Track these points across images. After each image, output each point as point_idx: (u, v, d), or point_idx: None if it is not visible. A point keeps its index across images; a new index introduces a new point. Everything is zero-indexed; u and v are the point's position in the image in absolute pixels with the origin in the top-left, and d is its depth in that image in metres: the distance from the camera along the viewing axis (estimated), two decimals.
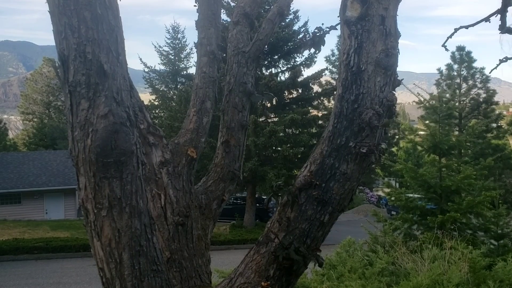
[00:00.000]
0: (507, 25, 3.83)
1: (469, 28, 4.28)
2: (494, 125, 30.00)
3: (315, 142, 21.87)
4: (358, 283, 5.75)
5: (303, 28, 24.45)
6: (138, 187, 1.86)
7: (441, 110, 12.09)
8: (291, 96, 24.66)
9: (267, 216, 24.40)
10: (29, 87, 57.56)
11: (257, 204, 25.72)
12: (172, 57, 38.70)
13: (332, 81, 33.06)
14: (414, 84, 18.31)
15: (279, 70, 24.97)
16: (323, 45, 3.00)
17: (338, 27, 2.69)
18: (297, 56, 24.56)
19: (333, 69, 42.34)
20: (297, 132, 23.67)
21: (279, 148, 22.58)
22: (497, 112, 30.62)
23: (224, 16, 22.54)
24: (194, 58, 39.03)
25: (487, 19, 4.03)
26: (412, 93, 14.09)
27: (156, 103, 37.24)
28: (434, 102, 14.00)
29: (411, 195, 11.12)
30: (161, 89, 37.48)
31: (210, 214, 3.10)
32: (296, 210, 2.31)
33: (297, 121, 22.13)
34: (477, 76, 29.59)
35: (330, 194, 2.28)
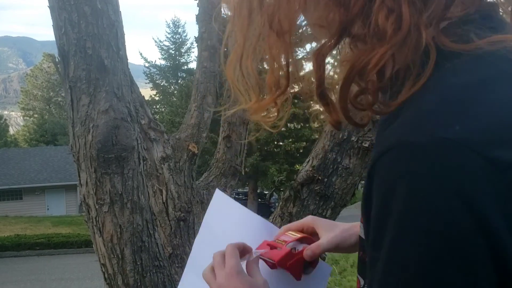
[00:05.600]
0: None
1: None
2: None
3: (317, 136, 21.87)
4: None
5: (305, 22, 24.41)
6: (140, 183, 1.85)
7: None
8: (293, 90, 24.63)
9: (269, 211, 24.46)
10: (30, 83, 57.61)
11: (259, 199, 25.74)
12: (173, 52, 38.61)
13: (334, 75, 32.96)
14: None
15: None
16: None
17: None
18: (299, 49, 24.53)
19: (335, 63, 42.22)
20: (299, 126, 23.67)
21: (281, 143, 22.60)
22: None
23: None
24: (194, 52, 39.01)
25: None
26: None
27: (157, 98, 37.25)
28: None
29: None
30: (162, 84, 37.45)
31: None
32: (298, 205, 2.31)
33: (299, 115, 22.13)
34: None
35: (332, 189, 2.27)
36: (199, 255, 1.01)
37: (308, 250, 0.91)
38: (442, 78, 0.49)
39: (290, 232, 0.98)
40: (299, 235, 0.95)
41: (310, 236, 0.98)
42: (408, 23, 0.48)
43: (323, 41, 0.57)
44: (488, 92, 0.46)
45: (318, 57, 0.57)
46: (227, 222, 1.06)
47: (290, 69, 0.61)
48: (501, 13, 0.54)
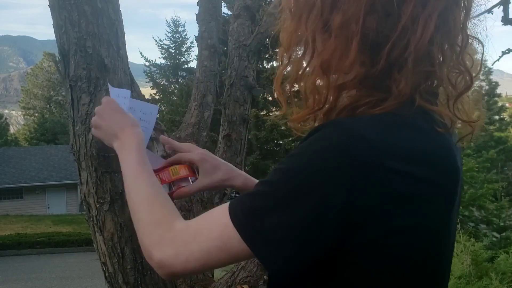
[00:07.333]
0: (510, 17, 3.81)
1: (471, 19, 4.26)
2: (497, 117, 29.92)
3: None
4: None
5: None
6: None
7: None
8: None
9: None
10: (30, 82, 57.66)
11: None
12: (173, 51, 38.56)
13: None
14: None
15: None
16: None
17: None
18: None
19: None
20: (299, 125, 23.64)
21: (280, 142, 22.59)
22: (499, 104, 30.54)
23: (224, 9, 22.48)
24: (194, 51, 39.00)
25: (489, 11, 4.01)
26: None
27: (157, 97, 37.16)
28: None
29: None
30: (162, 83, 37.38)
31: (212, 208, 3.10)
32: None
33: None
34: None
35: None
36: None
37: (176, 194, 1.20)
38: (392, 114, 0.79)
39: (173, 167, 1.20)
40: (173, 177, 1.19)
41: (192, 172, 1.21)
42: (408, 93, 0.78)
43: (345, 80, 0.83)
44: (407, 132, 0.76)
45: (339, 90, 0.85)
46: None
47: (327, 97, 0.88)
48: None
